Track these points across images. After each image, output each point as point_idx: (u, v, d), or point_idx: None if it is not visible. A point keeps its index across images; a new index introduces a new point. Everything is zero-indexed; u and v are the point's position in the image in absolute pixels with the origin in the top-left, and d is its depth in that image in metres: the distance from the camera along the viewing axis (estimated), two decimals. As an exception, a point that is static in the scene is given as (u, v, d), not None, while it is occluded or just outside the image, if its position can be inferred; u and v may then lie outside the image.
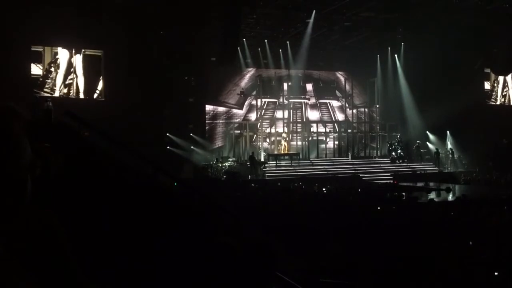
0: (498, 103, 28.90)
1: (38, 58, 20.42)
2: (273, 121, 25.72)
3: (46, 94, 19.56)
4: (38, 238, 1.04)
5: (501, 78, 28.75)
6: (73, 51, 20.95)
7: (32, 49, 20.07)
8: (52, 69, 20.61)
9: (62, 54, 20.84)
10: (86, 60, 21.19)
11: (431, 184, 19.22)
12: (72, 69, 20.98)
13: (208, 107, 24.66)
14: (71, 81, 20.94)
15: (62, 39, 20.14)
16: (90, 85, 21.28)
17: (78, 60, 21.10)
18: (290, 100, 26.08)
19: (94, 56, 21.28)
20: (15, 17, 17.42)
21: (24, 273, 0.98)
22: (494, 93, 28.83)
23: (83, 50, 21.10)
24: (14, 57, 18.09)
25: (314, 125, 26.28)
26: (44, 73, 20.47)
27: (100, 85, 21.39)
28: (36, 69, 20.37)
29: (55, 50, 20.68)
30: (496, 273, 4.97)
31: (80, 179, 4.82)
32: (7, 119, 1.01)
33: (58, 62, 20.73)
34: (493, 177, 19.95)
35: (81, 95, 21.15)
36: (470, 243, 6.32)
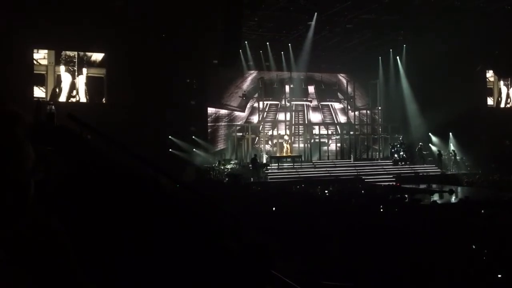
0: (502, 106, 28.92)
1: (41, 81, 20.47)
2: (275, 124, 25.72)
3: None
4: (39, 241, 1.05)
5: (504, 92, 28.74)
6: (76, 73, 21.05)
7: (35, 72, 20.20)
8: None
9: (65, 77, 20.93)
10: (89, 82, 21.29)
11: (434, 186, 19.19)
12: (74, 91, 21.06)
13: (210, 110, 24.67)
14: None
15: (63, 42, 20.23)
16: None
17: (81, 82, 21.21)
18: (292, 103, 26.08)
19: (96, 77, 21.36)
20: (15, 20, 17.48)
21: (25, 276, 0.99)
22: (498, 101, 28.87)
23: (86, 72, 21.17)
24: (16, 79, 17.97)
25: (316, 127, 26.26)
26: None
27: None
28: (39, 92, 20.42)
29: (58, 73, 20.76)
30: (499, 275, 4.95)
31: (82, 182, 4.83)
32: (11, 123, 1.02)
33: (61, 85, 20.82)
34: (496, 179, 19.87)
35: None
36: (473, 246, 6.30)
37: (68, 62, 21.11)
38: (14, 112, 1.04)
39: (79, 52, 21.18)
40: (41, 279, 1.01)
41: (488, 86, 28.30)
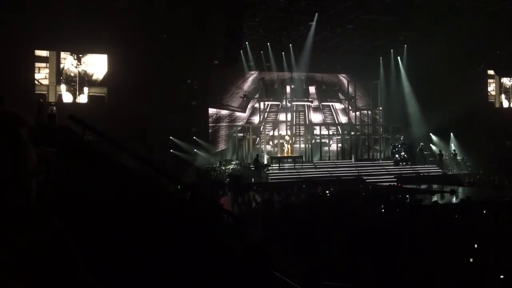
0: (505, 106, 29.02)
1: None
2: (276, 124, 25.72)
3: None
4: (43, 243, 1.05)
5: (505, 105, 28.82)
6: (77, 93, 21.17)
7: (36, 92, 20.22)
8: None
9: (66, 97, 21.04)
10: (90, 100, 21.34)
11: (435, 186, 19.15)
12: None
13: (211, 110, 24.69)
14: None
15: (64, 43, 20.26)
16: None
17: (82, 100, 21.36)
18: (293, 103, 26.08)
19: (98, 96, 21.37)
20: (16, 21, 17.52)
21: (27, 277, 0.98)
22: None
23: (87, 91, 21.26)
24: (18, 80, 18.04)
25: (317, 127, 26.25)
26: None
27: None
28: None
29: (59, 93, 20.78)
30: (502, 276, 4.94)
31: (83, 183, 4.83)
32: (14, 126, 1.02)
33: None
34: (497, 179, 19.84)
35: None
36: (475, 245, 6.29)
37: (69, 82, 21.20)
38: (16, 114, 1.04)
39: (80, 72, 21.29)
40: (44, 280, 1.01)
41: (489, 100, 28.39)
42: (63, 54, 21.19)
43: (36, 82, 20.54)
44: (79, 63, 21.44)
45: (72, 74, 21.27)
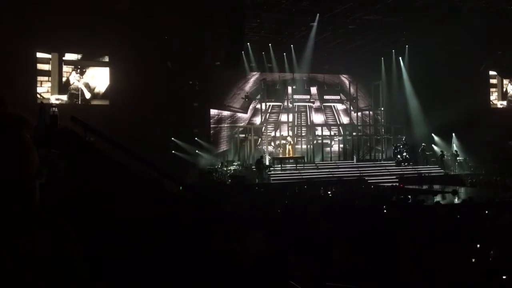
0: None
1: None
2: (277, 125, 25.72)
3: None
4: (45, 243, 1.05)
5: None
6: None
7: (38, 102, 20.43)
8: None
9: None
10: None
11: (437, 186, 19.12)
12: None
13: (213, 111, 24.70)
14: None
15: (66, 45, 20.31)
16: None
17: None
18: (294, 104, 26.08)
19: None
20: (17, 25, 17.56)
21: (30, 277, 0.99)
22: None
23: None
24: (20, 81, 18.08)
25: (319, 128, 26.24)
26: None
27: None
28: None
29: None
30: (504, 277, 4.93)
31: (85, 184, 4.85)
32: (17, 128, 1.02)
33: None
34: (499, 180, 19.78)
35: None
36: (478, 246, 6.28)
37: (72, 95, 21.27)
38: (20, 116, 1.05)
39: (83, 84, 21.39)
40: (46, 280, 1.02)
41: (492, 107, 28.36)
42: (65, 68, 21.24)
43: (38, 96, 20.58)
44: (81, 76, 21.51)
45: (75, 88, 21.35)
